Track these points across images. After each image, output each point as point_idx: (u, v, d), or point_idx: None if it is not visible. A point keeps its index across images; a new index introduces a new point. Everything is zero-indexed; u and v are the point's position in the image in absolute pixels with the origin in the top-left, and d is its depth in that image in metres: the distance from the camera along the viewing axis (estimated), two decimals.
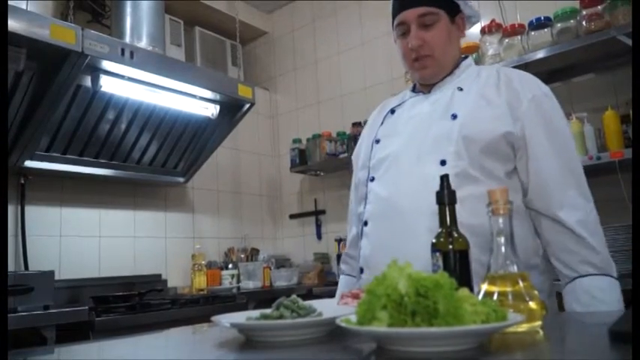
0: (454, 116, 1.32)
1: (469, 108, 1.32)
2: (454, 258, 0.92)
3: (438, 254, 0.93)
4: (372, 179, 1.41)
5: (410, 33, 1.37)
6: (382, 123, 1.49)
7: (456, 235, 0.93)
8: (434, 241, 0.94)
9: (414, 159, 1.32)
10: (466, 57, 1.48)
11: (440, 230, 0.95)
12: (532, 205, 1.29)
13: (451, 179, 1.18)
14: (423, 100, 1.43)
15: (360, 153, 1.55)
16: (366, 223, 1.39)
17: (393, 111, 1.50)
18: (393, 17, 1.43)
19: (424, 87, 1.46)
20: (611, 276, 1.22)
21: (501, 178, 1.28)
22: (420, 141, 1.34)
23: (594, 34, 2.39)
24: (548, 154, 1.28)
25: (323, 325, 0.83)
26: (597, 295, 1.19)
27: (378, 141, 1.45)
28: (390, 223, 1.31)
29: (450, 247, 0.92)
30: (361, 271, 1.39)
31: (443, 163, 1.27)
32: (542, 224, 1.28)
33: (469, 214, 1.11)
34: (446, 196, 0.96)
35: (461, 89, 1.37)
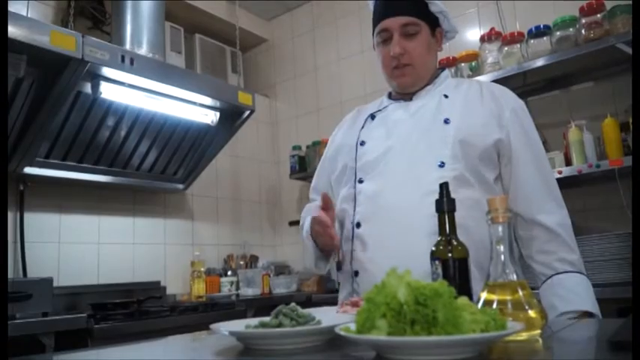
0: (447, 121, 1.34)
1: (459, 114, 1.36)
2: (453, 266, 0.92)
3: (437, 262, 0.93)
4: (361, 181, 1.41)
5: (392, 41, 1.41)
6: (363, 127, 1.51)
7: (455, 243, 0.93)
8: (433, 249, 0.94)
9: (409, 161, 1.34)
10: (443, 69, 1.54)
11: (439, 238, 0.95)
12: (513, 208, 1.33)
13: (450, 182, 1.20)
14: (406, 106, 1.45)
15: (334, 155, 1.59)
16: (358, 225, 1.38)
17: (373, 116, 1.51)
18: (375, 24, 1.49)
19: (401, 95, 1.50)
20: (585, 275, 1.30)
21: (490, 183, 1.34)
22: (413, 144, 1.36)
23: (593, 42, 2.41)
24: (528, 162, 1.36)
25: (322, 334, 0.83)
26: (575, 290, 1.25)
27: (362, 143, 1.46)
28: (389, 225, 1.31)
29: (450, 255, 0.92)
30: (356, 274, 1.38)
31: (442, 165, 1.29)
32: (521, 226, 1.35)
33: (465, 217, 1.15)
34: (445, 204, 0.96)
35: (446, 96, 1.41)
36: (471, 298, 0.90)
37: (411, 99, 1.47)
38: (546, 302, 1.23)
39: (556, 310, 1.22)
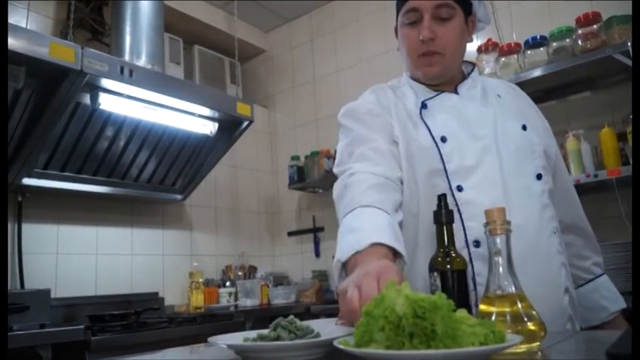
0: (524, 127, 1.24)
1: (528, 119, 1.27)
2: (452, 278, 0.92)
3: (435, 274, 0.93)
4: (460, 189, 1.16)
5: (422, 23, 1.21)
6: (421, 115, 1.26)
7: (454, 254, 0.93)
8: (432, 260, 0.94)
9: (506, 169, 1.18)
10: (470, 63, 1.39)
11: (438, 250, 0.95)
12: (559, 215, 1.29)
13: (548, 195, 1.21)
14: (465, 102, 1.27)
15: (396, 130, 1.25)
16: (477, 244, 1.14)
17: (424, 105, 1.27)
18: (402, 2, 1.26)
19: (431, 86, 1.31)
20: None
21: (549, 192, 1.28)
22: (504, 151, 1.20)
23: (590, 52, 2.42)
24: (564, 169, 1.41)
25: (320, 347, 0.82)
26: (615, 291, 1.37)
27: (444, 139, 1.20)
28: (516, 244, 1.03)
29: (448, 267, 0.92)
30: None
31: (539, 177, 1.21)
32: (567, 233, 1.34)
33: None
34: (444, 216, 0.95)
35: (499, 96, 1.31)
36: (470, 310, 0.90)
37: (455, 91, 1.29)
38: (594, 304, 1.33)
39: (607, 311, 1.32)
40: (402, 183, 1.20)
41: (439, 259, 0.93)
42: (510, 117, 1.25)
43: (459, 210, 1.14)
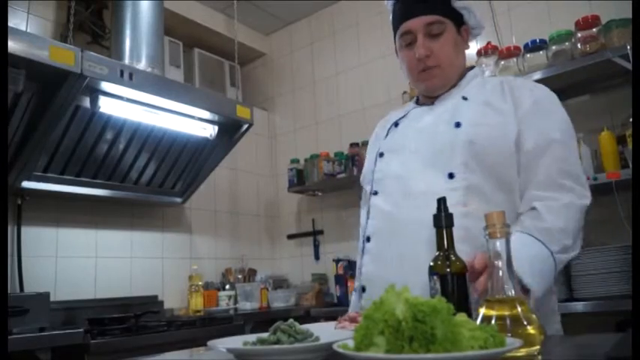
0: (458, 124, 1.27)
1: (473, 115, 1.28)
2: (452, 281, 0.92)
3: (435, 277, 0.93)
4: (375, 193, 1.37)
5: (416, 43, 1.32)
6: (386, 136, 1.45)
7: (453, 258, 0.93)
8: (431, 264, 0.94)
9: (419, 173, 1.28)
10: (472, 67, 1.45)
11: (437, 253, 0.94)
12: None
13: (462, 193, 1.18)
14: (428, 112, 1.38)
15: (367, 168, 1.50)
16: (368, 239, 1.35)
17: (396, 124, 1.45)
18: (396, 27, 1.38)
19: (428, 99, 1.42)
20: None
21: (515, 190, 1.24)
22: (424, 154, 1.30)
23: (589, 55, 2.42)
24: (539, 148, 1.24)
25: (320, 350, 0.82)
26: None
27: (381, 154, 1.41)
28: (394, 240, 1.27)
29: (448, 270, 0.92)
30: (363, 289, 1.35)
31: (451, 176, 1.23)
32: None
33: (472, 227, 1.11)
34: (443, 219, 0.95)
35: (465, 98, 1.33)
36: (469, 313, 0.90)
37: (433, 103, 1.39)
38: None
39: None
40: None
41: (439, 262, 0.93)
42: (453, 117, 1.29)
43: (368, 210, 1.38)
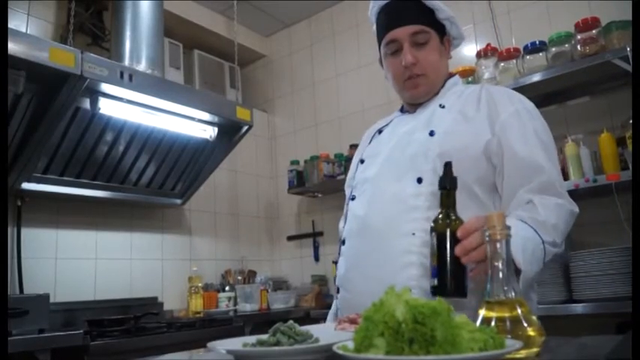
0: (432, 133, 1.31)
1: (447, 124, 1.31)
2: (450, 239, 0.97)
3: (433, 234, 1.00)
4: (353, 198, 1.42)
5: (402, 51, 1.36)
6: (369, 143, 1.52)
7: (453, 217, 0.99)
8: (432, 223, 1.01)
9: (392, 178, 1.32)
10: (452, 75, 1.48)
11: (439, 211, 1.01)
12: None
13: (426, 198, 1.23)
14: (409, 120, 1.43)
15: (349, 175, 1.58)
16: (343, 242, 1.40)
17: (380, 131, 1.51)
18: (381, 36, 1.43)
19: (411, 107, 1.47)
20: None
21: (480, 197, 1.25)
22: (398, 159, 1.34)
23: (589, 57, 2.42)
24: (516, 149, 1.25)
25: (320, 352, 0.82)
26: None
27: (362, 161, 1.47)
28: (365, 242, 1.31)
29: (448, 228, 0.98)
30: (337, 290, 1.40)
31: (419, 180, 1.25)
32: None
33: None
34: (448, 182, 1.02)
35: (442, 106, 1.37)
36: (464, 271, 0.97)
37: (415, 111, 1.44)
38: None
39: None
40: None
41: (439, 220, 1.00)
42: (428, 125, 1.33)
43: (346, 215, 1.45)
